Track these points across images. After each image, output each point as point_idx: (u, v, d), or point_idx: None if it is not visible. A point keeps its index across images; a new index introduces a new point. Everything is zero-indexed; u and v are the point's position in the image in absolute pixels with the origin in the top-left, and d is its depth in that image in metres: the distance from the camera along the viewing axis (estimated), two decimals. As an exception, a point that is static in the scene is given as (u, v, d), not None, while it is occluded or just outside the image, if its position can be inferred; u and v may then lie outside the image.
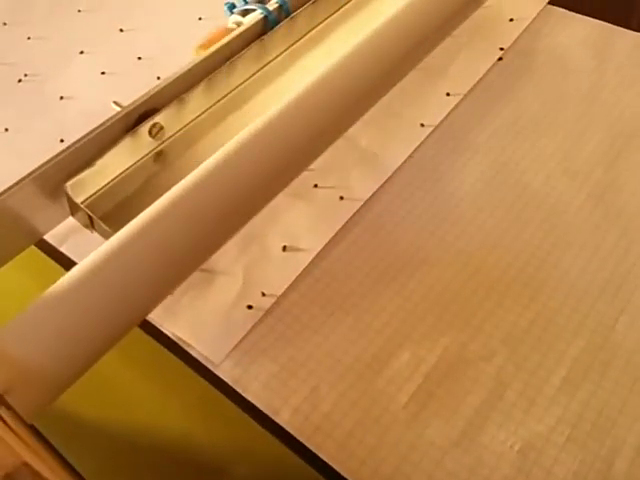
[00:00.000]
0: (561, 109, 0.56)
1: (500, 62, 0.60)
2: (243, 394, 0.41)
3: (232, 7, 0.55)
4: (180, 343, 0.43)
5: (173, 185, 0.38)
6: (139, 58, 0.64)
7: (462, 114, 0.56)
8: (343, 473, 0.37)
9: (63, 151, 0.42)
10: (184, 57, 0.63)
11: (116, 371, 0.42)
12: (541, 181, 0.51)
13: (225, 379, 0.41)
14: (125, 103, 0.58)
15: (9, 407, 0.30)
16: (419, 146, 0.54)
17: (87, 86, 0.62)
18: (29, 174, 0.41)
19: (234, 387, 0.41)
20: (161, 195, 0.38)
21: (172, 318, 0.44)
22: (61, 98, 0.61)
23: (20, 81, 0.63)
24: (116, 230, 0.40)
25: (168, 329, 0.44)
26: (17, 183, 0.40)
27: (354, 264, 0.47)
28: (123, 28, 0.68)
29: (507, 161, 0.52)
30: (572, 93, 0.57)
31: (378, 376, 0.41)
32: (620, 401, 0.39)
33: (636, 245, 0.46)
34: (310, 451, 0.38)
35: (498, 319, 0.43)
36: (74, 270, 0.34)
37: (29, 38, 0.67)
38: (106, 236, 0.42)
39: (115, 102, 0.47)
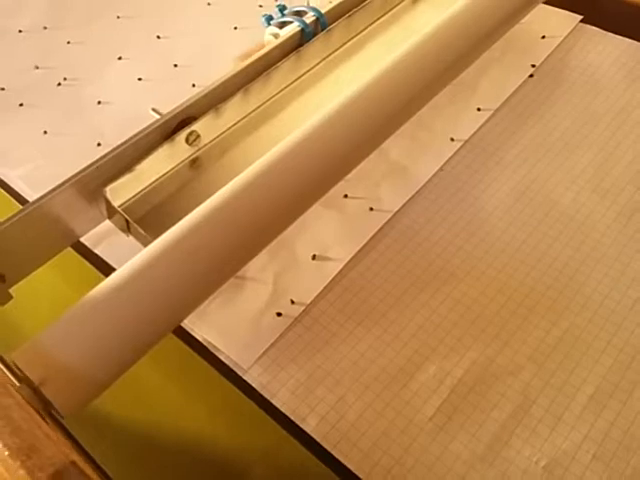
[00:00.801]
0: (592, 127, 0.56)
1: (531, 79, 0.61)
2: (271, 400, 0.41)
3: (270, 19, 0.56)
4: (209, 347, 0.44)
5: (207, 191, 0.39)
6: (175, 65, 0.65)
7: (492, 129, 0.57)
8: (368, 482, 0.38)
9: (103, 157, 0.44)
10: (219, 65, 0.64)
11: (145, 372, 0.43)
12: (570, 198, 0.51)
13: (253, 384, 0.42)
14: (160, 109, 0.59)
15: (49, 404, 0.31)
16: (449, 160, 0.55)
17: (124, 91, 0.63)
18: (69, 178, 0.42)
19: (261, 393, 0.42)
20: (195, 200, 0.39)
21: (202, 323, 0.45)
22: (99, 103, 0.62)
23: (59, 85, 0.64)
24: (151, 234, 0.42)
25: (198, 333, 0.45)
26: (58, 187, 0.42)
27: (382, 275, 0.47)
28: (160, 35, 0.69)
29: (536, 177, 0.53)
30: (603, 111, 0.58)
31: (405, 388, 0.41)
32: (647, 421, 0.39)
33: (666, 266, 0.46)
34: (335, 459, 0.39)
35: (525, 334, 0.43)
36: (114, 276, 0.35)
37: (69, 42, 0.69)
38: (141, 239, 0.44)
39: (154, 109, 0.49)
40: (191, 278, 0.36)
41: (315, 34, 0.54)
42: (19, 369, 0.31)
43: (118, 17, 0.72)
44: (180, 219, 0.38)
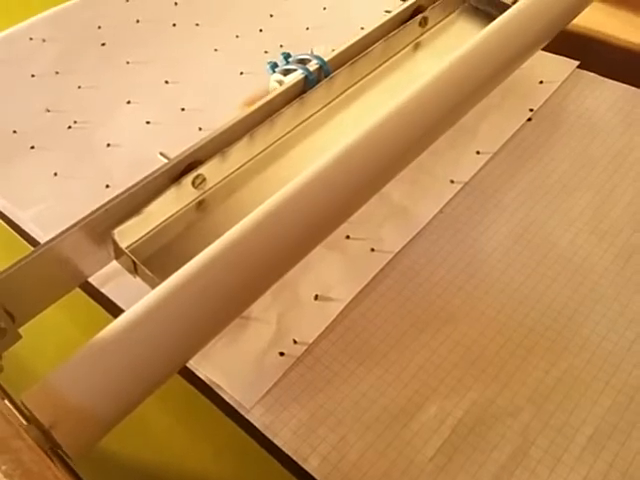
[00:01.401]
0: (589, 170, 0.58)
1: (529, 122, 0.62)
2: (273, 440, 0.42)
3: (274, 66, 0.58)
4: (213, 387, 0.45)
5: (213, 232, 0.41)
6: (182, 109, 0.67)
7: (491, 172, 0.58)
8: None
9: (111, 200, 0.45)
10: (225, 108, 0.66)
11: (149, 411, 0.43)
12: (568, 240, 0.52)
13: (256, 424, 0.43)
14: (168, 152, 0.60)
15: (58, 447, 0.32)
16: (449, 202, 0.56)
17: (132, 134, 0.65)
18: (79, 221, 0.43)
19: (264, 433, 0.42)
20: (201, 241, 0.40)
21: (206, 362, 0.46)
22: (108, 145, 0.64)
23: (70, 127, 0.66)
24: (158, 274, 0.43)
25: (202, 372, 0.45)
26: (67, 229, 0.43)
27: (383, 315, 0.48)
28: (168, 80, 0.71)
29: (535, 219, 0.54)
30: (600, 155, 0.59)
31: (405, 428, 0.42)
32: (646, 462, 0.40)
33: (663, 307, 0.47)
34: (337, 499, 0.39)
35: (525, 375, 0.44)
36: (122, 317, 0.35)
37: (79, 87, 0.71)
38: (148, 281, 0.44)
39: (162, 153, 0.50)
40: (198, 319, 0.36)
41: (318, 81, 0.55)
42: (28, 410, 0.32)
43: (128, 62, 0.74)
44: (186, 260, 0.38)
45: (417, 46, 0.64)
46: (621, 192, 0.55)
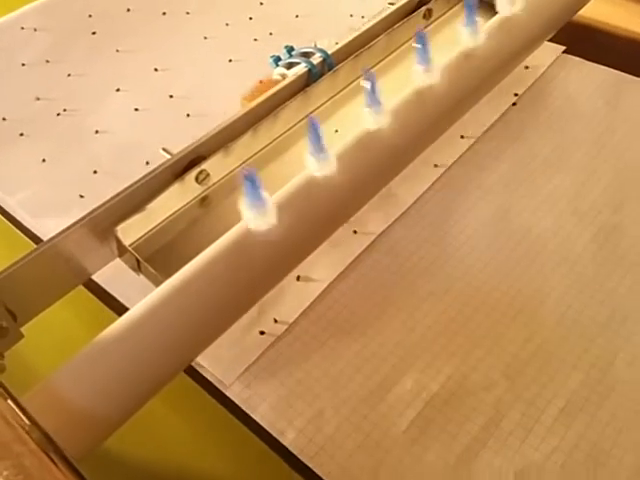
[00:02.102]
0: (572, 153, 0.58)
1: (514, 107, 0.63)
2: (251, 414, 0.43)
3: (277, 60, 0.58)
4: (193, 364, 0.45)
5: (216, 228, 0.40)
6: (171, 96, 0.68)
7: (474, 156, 0.58)
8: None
9: (114, 196, 0.44)
10: (213, 96, 0.67)
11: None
12: (549, 221, 0.52)
13: (234, 399, 0.43)
14: (155, 138, 0.61)
15: (59, 448, 0.30)
16: (432, 185, 0.56)
17: (121, 121, 0.66)
18: (81, 218, 0.42)
19: (242, 407, 0.43)
20: (205, 238, 0.39)
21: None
22: (96, 132, 0.65)
23: (59, 115, 0.67)
24: (161, 271, 0.42)
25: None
26: (70, 226, 0.42)
27: (364, 295, 0.49)
28: (158, 68, 0.72)
29: (517, 201, 0.54)
30: (583, 138, 0.59)
31: (381, 402, 0.43)
32: (615, 433, 0.40)
33: (637, 287, 0.47)
34: (312, 471, 0.40)
35: (500, 351, 0.44)
36: (126, 317, 0.35)
37: (69, 75, 0.72)
38: (151, 278, 0.44)
39: (164, 149, 0.50)
40: (203, 318, 0.36)
41: (322, 74, 0.55)
42: (30, 412, 0.31)
43: (118, 51, 0.75)
44: (190, 257, 0.38)
45: None
46: (601, 174, 0.56)
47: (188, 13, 0.80)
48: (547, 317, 0.46)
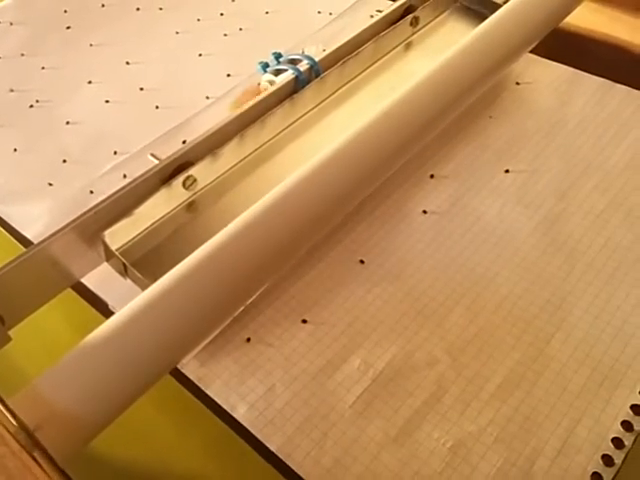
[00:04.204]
0: (523, 145, 0.60)
1: (471, 101, 0.65)
2: (205, 390, 0.45)
3: (265, 66, 0.59)
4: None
5: (203, 233, 0.40)
6: (141, 89, 0.70)
7: (429, 147, 0.61)
8: (288, 463, 0.41)
9: (102, 201, 0.45)
10: (181, 88, 0.69)
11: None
12: (497, 209, 0.55)
13: (190, 377, 0.45)
14: (124, 129, 0.63)
15: (44, 450, 0.31)
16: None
17: (91, 113, 0.67)
18: (69, 223, 0.43)
19: (197, 384, 0.45)
20: (192, 243, 0.40)
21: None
22: (67, 123, 0.66)
23: (31, 106, 0.69)
24: (148, 276, 0.43)
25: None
26: (57, 231, 0.42)
27: (318, 280, 0.51)
28: (129, 61, 0.74)
29: (466, 191, 0.57)
30: (534, 131, 0.62)
31: (330, 379, 0.45)
32: (548, 407, 0.43)
33: (577, 270, 0.50)
34: (262, 444, 0.42)
35: (444, 331, 0.47)
36: (111, 320, 0.35)
37: (43, 68, 0.73)
38: (138, 283, 0.45)
39: (152, 154, 0.50)
40: (188, 322, 0.36)
41: (309, 81, 0.56)
42: (16, 413, 0.32)
43: (91, 45, 0.76)
44: (177, 262, 0.38)
45: (408, 46, 0.64)
46: (549, 166, 0.58)
47: (161, 9, 0.81)
48: (490, 300, 0.49)
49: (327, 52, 0.58)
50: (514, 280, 0.50)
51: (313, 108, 0.57)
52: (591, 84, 0.66)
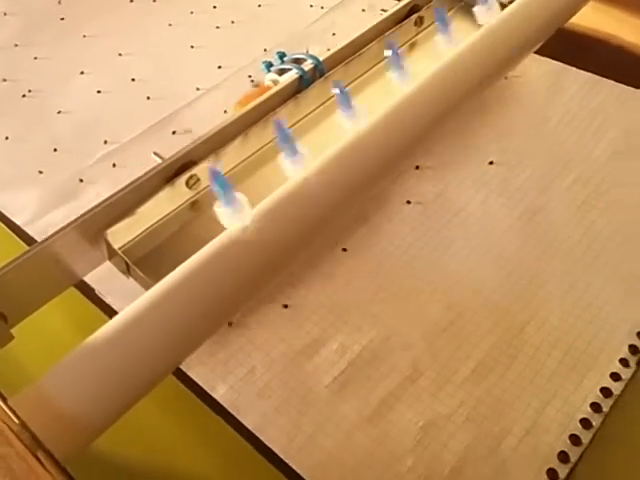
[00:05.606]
0: (509, 137, 0.61)
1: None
2: (187, 372, 0.46)
3: (269, 65, 0.59)
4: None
5: (206, 233, 0.39)
6: (132, 80, 0.71)
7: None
8: (264, 440, 0.42)
9: (105, 200, 0.44)
10: (172, 80, 0.70)
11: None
12: (480, 200, 0.56)
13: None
14: (115, 119, 0.64)
15: (47, 450, 0.31)
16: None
17: (83, 103, 0.68)
18: (72, 222, 0.42)
19: (180, 367, 0.46)
20: (194, 242, 0.39)
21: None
22: (59, 112, 0.67)
23: (24, 96, 0.70)
24: (150, 275, 0.43)
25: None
26: (60, 230, 0.42)
27: (300, 266, 0.52)
28: (122, 52, 0.74)
29: (451, 181, 0.58)
30: (520, 124, 0.63)
31: (308, 361, 0.46)
32: (519, 389, 0.44)
33: (555, 260, 0.51)
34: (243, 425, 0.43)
35: (422, 317, 0.48)
36: (114, 320, 0.35)
37: (36, 58, 0.74)
38: (140, 282, 0.45)
39: (156, 153, 0.51)
40: (191, 322, 0.36)
41: (313, 81, 0.55)
42: (19, 414, 0.31)
43: (84, 36, 0.77)
44: (180, 261, 0.38)
45: (412, 46, 0.63)
46: (532, 159, 0.59)
47: (155, 1, 0.82)
48: (468, 287, 0.49)
49: (331, 51, 0.57)
50: (493, 269, 0.51)
51: (317, 107, 0.56)
52: (578, 78, 0.67)
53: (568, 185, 0.57)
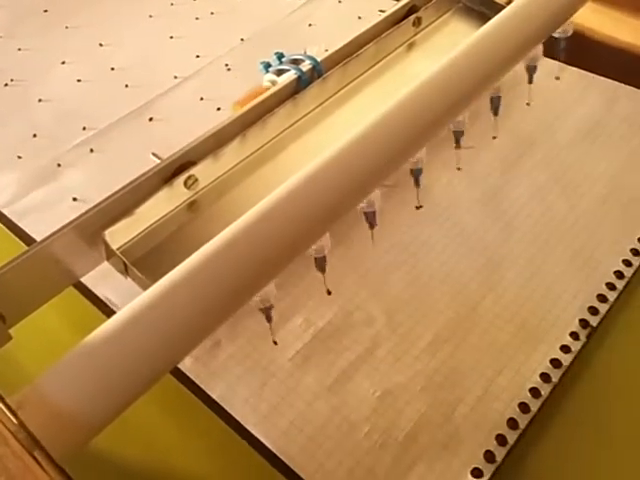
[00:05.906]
0: (475, 122, 0.63)
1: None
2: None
3: (268, 66, 0.59)
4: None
5: (204, 233, 0.40)
6: (112, 69, 0.73)
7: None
8: (228, 409, 0.44)
9: (103, 200, 0.44)
10: (151, 69, 0.72)
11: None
12: (444, 182, 0.58)
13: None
14: (95, 106, 0.66)
15: (44, 449, 0.31)
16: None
17: (63, 91, 0.70)
18: (70, 222, 0.43)
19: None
20: (192, 242, 0.39)
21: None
22: (39, 100, 0.69)
23: (6, 85, 0.72)
24: (148, 275, 0.43)
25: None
26: (58, 230, 0.42)
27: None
28: (102, 43, 0.76)
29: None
30: (486, 109, 0.64)
31: (273, 335, 0.48)
32: (474, 360, 0.45)
33: (513, 238, 0.53)
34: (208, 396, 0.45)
35: (383, 293, 0.50)
36: (112, 320, 0.35)
37: (19, 49, 0.76)
38: (138, 282, 0.44)
39: (154, 154, 0.51)
40: (189, 322, 0.36)
41: (311, 81, 0.55)
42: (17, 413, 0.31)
43: (67, 27, 0.79)
44: (178, 261, 0.37)
45: (411, 46, 0.63)
46: (498, 141, 0.60)
47: (136, -7, 0.84)
48: (429, 265, 0.51)
49: (329, 52, 0.57)
50: (453, 247, 0.52)
51: (315, 108, 0.56)
52: (545, 64, 0.69)
53: (530, 168, 0.59)
